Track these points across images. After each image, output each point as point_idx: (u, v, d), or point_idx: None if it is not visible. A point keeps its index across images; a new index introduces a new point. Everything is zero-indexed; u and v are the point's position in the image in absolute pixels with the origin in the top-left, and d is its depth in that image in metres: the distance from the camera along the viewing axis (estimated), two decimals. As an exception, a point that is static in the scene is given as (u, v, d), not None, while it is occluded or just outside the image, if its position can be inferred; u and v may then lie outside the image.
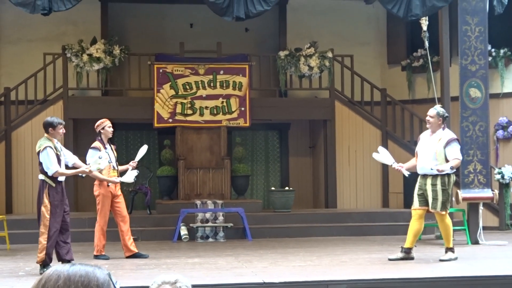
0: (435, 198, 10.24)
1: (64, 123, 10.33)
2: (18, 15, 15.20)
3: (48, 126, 9.91)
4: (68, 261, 9.64)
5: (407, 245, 10.44)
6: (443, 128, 10.43)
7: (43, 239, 9.73)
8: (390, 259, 10.36)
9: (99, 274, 2.22)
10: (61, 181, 9.97)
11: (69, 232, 10.07)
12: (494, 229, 14.68)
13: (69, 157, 10.27)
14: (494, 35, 14.79)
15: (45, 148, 9.78)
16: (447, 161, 10.24)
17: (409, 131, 16.58)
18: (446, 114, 10.56)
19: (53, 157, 9.72)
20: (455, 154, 10.27)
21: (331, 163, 16.54)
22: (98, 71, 15.94)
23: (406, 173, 10.51)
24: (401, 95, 17.29)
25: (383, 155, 10.66)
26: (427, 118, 10.46)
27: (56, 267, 2.21)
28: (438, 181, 10.23)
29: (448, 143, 10.27)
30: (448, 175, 10.30)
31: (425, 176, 10.36)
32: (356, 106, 16.75)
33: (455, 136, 10.49)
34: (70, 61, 15.74)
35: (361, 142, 16.68)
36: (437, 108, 10.54)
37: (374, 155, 10.78)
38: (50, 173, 9.74)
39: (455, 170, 10.45)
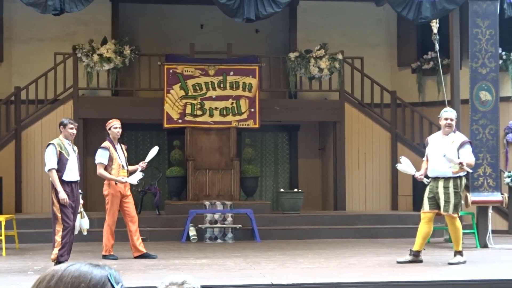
0: (447, 201, 10.23)
1: (76, 124, 10.50)
2: (30, 14, 15.23)
3: (60, 125, 10.31)
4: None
5: (415, 248, 10.43)
6: (455, 131, 10.46)
7: (58, 237, 9.87)
8: (398, 262, 10.35)
9: (95, 274, 2.16)
10: (70, 181, 10.03)
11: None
12: (503, 233, 14.63)
13: None
14: (505, 38, 14.74)
15: (49, 144, 10.17)
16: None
17: (419, 134, 16.55)
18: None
19: (53, 155, 9.98)
20: (468, 156, 10.29)
21: (340, 165, 16.52)
22: (108, 71, 15.97)
23: (426, 181, 10.50)
24: (411, 97, 17.25)
25: (406, 165, 10.68)
26: (449, 121, 10.42)
27: (55, 267, 2.19)
28: (451, 184, 10.23)
29: (461, 145, 10.30)
30: (460, 177, 10.31)
31: (436, 179, 10.35)
32: (365, 108, 16.73)
33: (468, 139, 10.55)
34: (80, 61, 15.78)
35: (371, 144, 16.66)
36: (453, 111, 10.64)
37: (398, 166, 10.88)
38: (46, 169, 10.07)
39: (466, 172, 10.45)
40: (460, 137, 10.45)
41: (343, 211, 16.21)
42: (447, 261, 10.40)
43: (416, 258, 10.39)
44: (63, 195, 9.88)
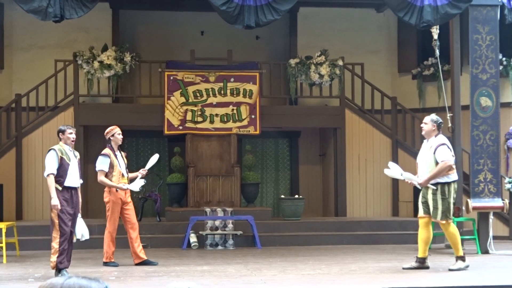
0: (435, 208, 10.20)
1: (74, 129, 10.44)
2: (30, 22, 15.26)
3: (58, 132, 10.19)
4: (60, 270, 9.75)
5: (420, 254, 10.40)
6: (436, 135, 10.38)
7: (55, 244, 9.82)
8: (404, 268, 10.33)
9: (94, 287, 2.16)
10: (70, 187, 9.99)
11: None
12: (504, 239, 14.63)
13: None
14: (505, 44, 14.75)
15: (50, 150, 10.07)
16: None
17: (419, 140, 16.47)
18: (440, 121, 10.51)
19: (53, 160, 9.88)
20: (442, 156, 10.14)
21: (341, 171, 16.52)
22: (108, 78, 15.98)
23: (419, 186, 10.46)
24: (412, 103, 17.27)
25: (394, 170, 10.61)
26: (421, 125, 10.51)
27: (52, 280, 2.17)
28: (438, 191, 10.19)
29: (436, 149, 10.22)
30: (448, 183, 10.22)
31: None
32: (366, 115, 16.73)
33: (443, 141, 10.35)
34: (81, 68, 15.79)
35: (371, 150, 16.66)
36: (431, 115, 10.56)
37: (386, 171, 10.75)
38: (45, 174, 9.94)
39: (456, 178, 10.35)
40: (436, 141, 10.29)
41: (344, 217, 16.21)
42: (448, 267, 10.39)
43: (422, 265, 10.35)
44: (55, 201, 9.77)
